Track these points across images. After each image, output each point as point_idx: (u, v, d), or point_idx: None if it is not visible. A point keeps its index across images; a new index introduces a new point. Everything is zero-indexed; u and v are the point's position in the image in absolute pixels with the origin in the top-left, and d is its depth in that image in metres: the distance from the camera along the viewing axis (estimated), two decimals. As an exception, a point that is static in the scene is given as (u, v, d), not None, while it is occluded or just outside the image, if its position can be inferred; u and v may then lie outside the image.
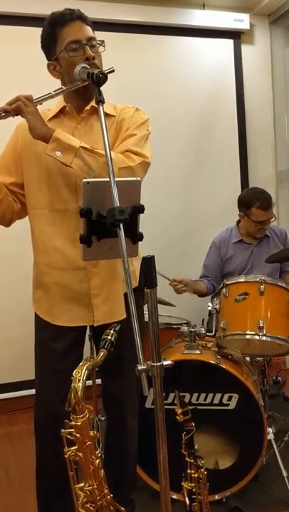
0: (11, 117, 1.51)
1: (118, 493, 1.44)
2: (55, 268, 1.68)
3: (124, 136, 1.66)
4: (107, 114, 1.64)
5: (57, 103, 1.70)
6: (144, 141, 1.65)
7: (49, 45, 1.63)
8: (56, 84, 1.67)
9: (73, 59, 1.57)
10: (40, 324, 1.73)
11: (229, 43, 3.73)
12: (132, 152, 1.60)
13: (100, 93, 1.39)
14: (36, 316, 1.76)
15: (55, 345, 1.69)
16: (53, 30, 1.61)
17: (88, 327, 1.76)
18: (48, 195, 1.65)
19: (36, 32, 1.67)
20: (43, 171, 1.64)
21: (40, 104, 1.54)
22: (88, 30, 1.62)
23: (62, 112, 1.69)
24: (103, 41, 1.63)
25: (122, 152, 1.60)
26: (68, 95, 1.66)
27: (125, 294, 1.66)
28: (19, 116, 1.51)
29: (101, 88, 1.41)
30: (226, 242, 2.90)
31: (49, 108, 1.71)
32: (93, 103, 1.65)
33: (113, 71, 1.51)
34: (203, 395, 2.09)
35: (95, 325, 1.67)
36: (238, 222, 2.89)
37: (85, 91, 1.59)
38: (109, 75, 1.44)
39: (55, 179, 1.63)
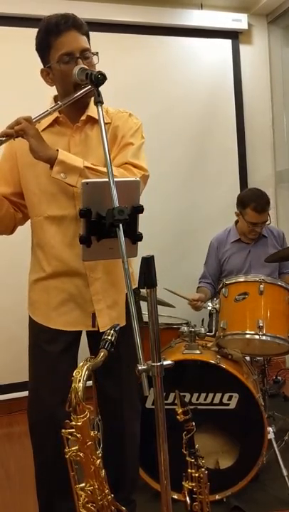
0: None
1: (119, 493, 1.44)
2: (54, 274, 1.67)
3: (121, 144, 1.65)
4: None
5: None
6: (140, 151, 1.66)
7: (43, 52, 1.61)
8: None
9: (66, 71, 1.55)
10: (35, 327, 1.72)
11: (227, 43, 3.74)
12: (132, 165, 1.60)
13: (99, 94, 1.39)
14: (30, 318, 1.75)
15: (50, 347, 1.68)
16: (47, 38, 1.58)
17: (85, 332, 1.74)
18: (45, 202, 1.65)
19: (35, 33, 1.66)
20: (40, 178, 1.63)
21: (39, 123, 1.53)
22: (82, 41, 1.58)
23: (56, 121, 1.67)
24: (97, 52, 1.60)
25: (122, 164, 1.59)
26: None
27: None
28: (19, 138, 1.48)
29: (100, 89, 1.40)
30: (224, 242, 2.91)
31: None
32: (88, 112, 1.65)
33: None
34: (203, 395, 2.09)
35: (100, 331, 1.65)
36: (237, 221, 2.90)
37: (79, 101, 1.58)
38: (107, 75, 1.43)
39: (51, 187, 1.62)
